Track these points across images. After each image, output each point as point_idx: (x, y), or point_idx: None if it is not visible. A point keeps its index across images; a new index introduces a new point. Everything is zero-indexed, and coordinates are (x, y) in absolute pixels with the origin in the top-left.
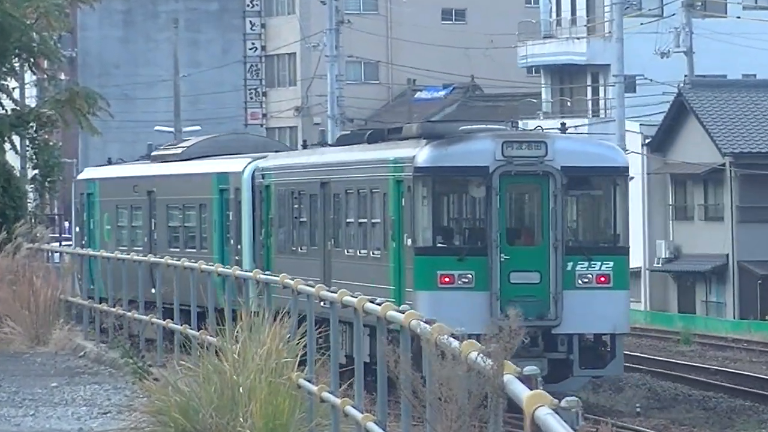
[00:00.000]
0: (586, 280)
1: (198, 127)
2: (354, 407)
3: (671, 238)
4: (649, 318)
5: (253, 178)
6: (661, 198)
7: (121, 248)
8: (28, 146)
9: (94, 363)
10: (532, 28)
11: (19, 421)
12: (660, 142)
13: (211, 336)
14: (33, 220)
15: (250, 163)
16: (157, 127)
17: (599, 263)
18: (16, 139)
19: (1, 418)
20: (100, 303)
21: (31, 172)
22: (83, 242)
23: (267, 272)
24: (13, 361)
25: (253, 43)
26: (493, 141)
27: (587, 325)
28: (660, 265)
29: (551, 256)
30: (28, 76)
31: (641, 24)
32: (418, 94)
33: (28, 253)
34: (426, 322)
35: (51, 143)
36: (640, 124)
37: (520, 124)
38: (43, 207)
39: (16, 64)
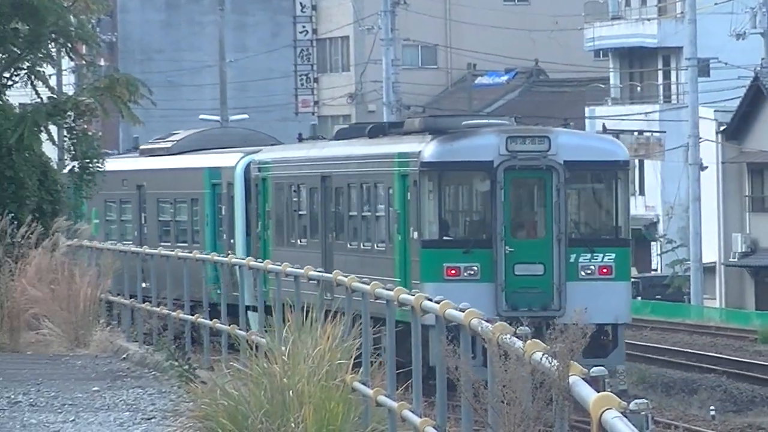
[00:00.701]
0: (589, 272)
1: (245, 116)
2: (412, 411)
3: (748, 231)
4: (725, 316)
5: (246, 172)
6: (736, 189)
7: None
8: (65, 136)
9: (137, 366)
10: (599, 9)
11: (58, 427)
12: (735, 129)
13: (260, 336)
14: (72, 215)
15: (243, 157)
16: (202, 116)
17: (601, 255)
18: (53, 129)
19: (40, 424)
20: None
21: (69, 164)
22: None
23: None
24: (52, 364)
25: (303, 26)
26: (497, 136)
27: (590, 316)
28: (736, 260)
29: (554, 249)
30: (66, 63)
31: (715, 4)
32: (478, 80)
33: (68, 250)
34: (487, 321)
35: (90, 133)
36: (715, 110)
37: (587, 110)
38: (83, 201)
39: (53, 50)
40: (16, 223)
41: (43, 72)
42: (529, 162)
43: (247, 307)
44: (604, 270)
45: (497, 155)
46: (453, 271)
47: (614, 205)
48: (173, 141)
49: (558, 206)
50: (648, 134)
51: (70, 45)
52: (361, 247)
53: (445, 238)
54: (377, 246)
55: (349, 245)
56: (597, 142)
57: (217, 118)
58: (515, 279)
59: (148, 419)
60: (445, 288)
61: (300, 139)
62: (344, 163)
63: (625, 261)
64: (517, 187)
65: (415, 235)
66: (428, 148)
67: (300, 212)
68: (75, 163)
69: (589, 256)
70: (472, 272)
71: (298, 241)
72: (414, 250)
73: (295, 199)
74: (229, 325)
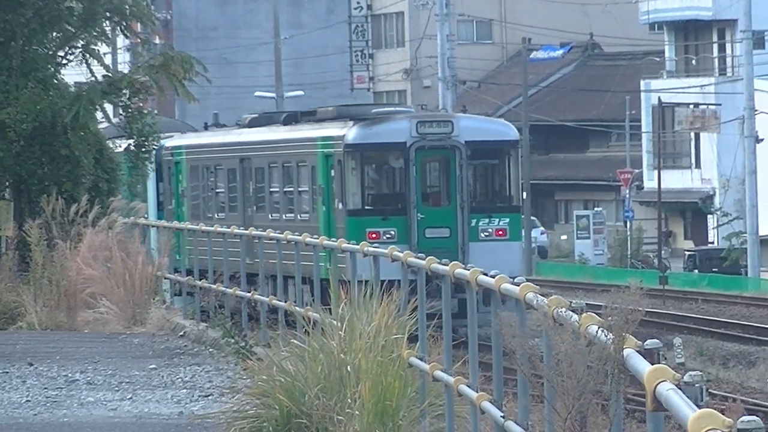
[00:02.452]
0: (487, 234)
1: (301, 92)
2: (468, 386)
3: None
4: None
5: (156, 155)
6: None
7: None
8: (120, 114)
9: (194, 343)
10: None
11: (116, 405)
12: None
13: (316, 313)
14: (127, 193)
15: None
16: (257, 93)
17: (497, 220)
18: (108, 107)
19: (98, 402)
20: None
21: (124, 142)
22: None
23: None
24: (109, 343)
25: (358, 2)
26: (409, 121)
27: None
28: None
29: (458, 215)
30: (121, 41)
31: None
32: (533, 54)
33: (123, 228)
34: (542, 295)
35: (145, 111)
36: None
37: (642, 84)
38: (138, 179)
39: (107, 28)
40: (72, 201)
41: (98, 50)
42: (436, 143)
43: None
44: (500, 232)
45: (409, 137)
46: (374, 235)
47: (507, 177)
48: None
49: (461, 179)
50: (704, 107)
51: (125, 23)
52: (284, 217)
53: (366, 207)
54: (300, 216)
55: (270, 216)
56: (492, 124)
57: (273, 95)
58: (426, 241)
59: (206, 396)
60: None
61: (206, 127)
62: (264, 147)
63: (517, 224)
64: (426, 163)
65: (340, 205)
66: (351, 132)
67: (218, 190)
68: (130, 141)
69: (487, 220)
70: (390, 235)
71: (216, 215)
72: (339, 218)
73: (212, 179)
74: (286, 302)
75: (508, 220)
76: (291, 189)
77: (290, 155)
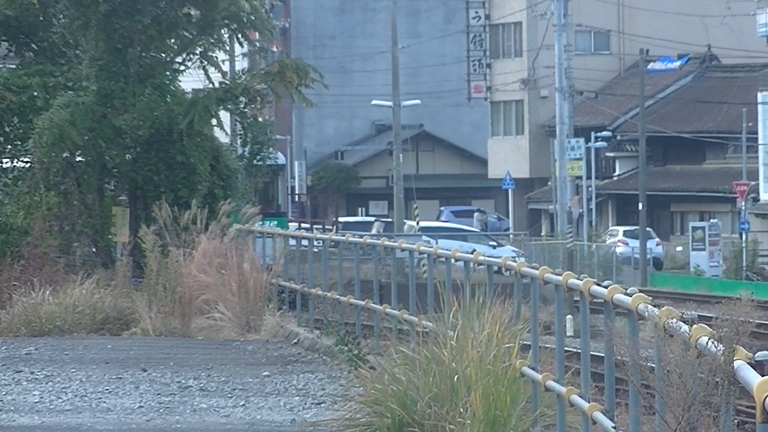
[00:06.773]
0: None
1: (417, 101)
2: (580, 396)
3: None
4: None
5: None
6: None
7: None
8: (237, 122)
9: (307, 351)
10: None
11: (228, 412)
12: None
13: (428, 322)
14: (245, 200)
15: None
16: (374, 101)
17: (268, 222)
18: (224, 115)
19: (211, 408)
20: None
21: (240, 149)
22: None
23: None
24: (223, 349)
25: (476, 12)
26: None
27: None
28: None
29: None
30: (238, 49)
31: None
32: (651, 65)
33: (237, 234)
34: (655, 306)
35: (261, 119)
36: None
37: (759, 96)
38: (253, 186)
39: (225, 36)
40: (188, 208)
41: (215, 57)
42: None
43: None
44: None
45: None
46: None
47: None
48: None
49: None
50: None
51: (242, 31)
52: None
53: None
54: None
55: None
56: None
57: (389, 103)
58: None
59: (318, 404)
60: None
61: None
62: None
63: (282, 224)
64: None
65: None
66: None
67: None
68: (245, 148)
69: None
70: None
71: None
72: None
73: None
74: (399, 310)
75: (276, 222)
76: None
77: None
